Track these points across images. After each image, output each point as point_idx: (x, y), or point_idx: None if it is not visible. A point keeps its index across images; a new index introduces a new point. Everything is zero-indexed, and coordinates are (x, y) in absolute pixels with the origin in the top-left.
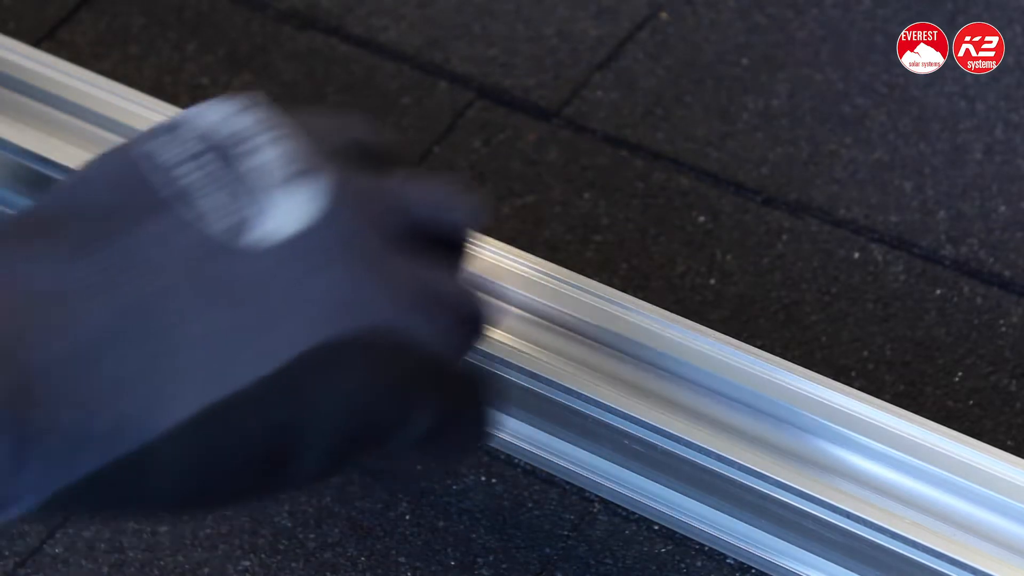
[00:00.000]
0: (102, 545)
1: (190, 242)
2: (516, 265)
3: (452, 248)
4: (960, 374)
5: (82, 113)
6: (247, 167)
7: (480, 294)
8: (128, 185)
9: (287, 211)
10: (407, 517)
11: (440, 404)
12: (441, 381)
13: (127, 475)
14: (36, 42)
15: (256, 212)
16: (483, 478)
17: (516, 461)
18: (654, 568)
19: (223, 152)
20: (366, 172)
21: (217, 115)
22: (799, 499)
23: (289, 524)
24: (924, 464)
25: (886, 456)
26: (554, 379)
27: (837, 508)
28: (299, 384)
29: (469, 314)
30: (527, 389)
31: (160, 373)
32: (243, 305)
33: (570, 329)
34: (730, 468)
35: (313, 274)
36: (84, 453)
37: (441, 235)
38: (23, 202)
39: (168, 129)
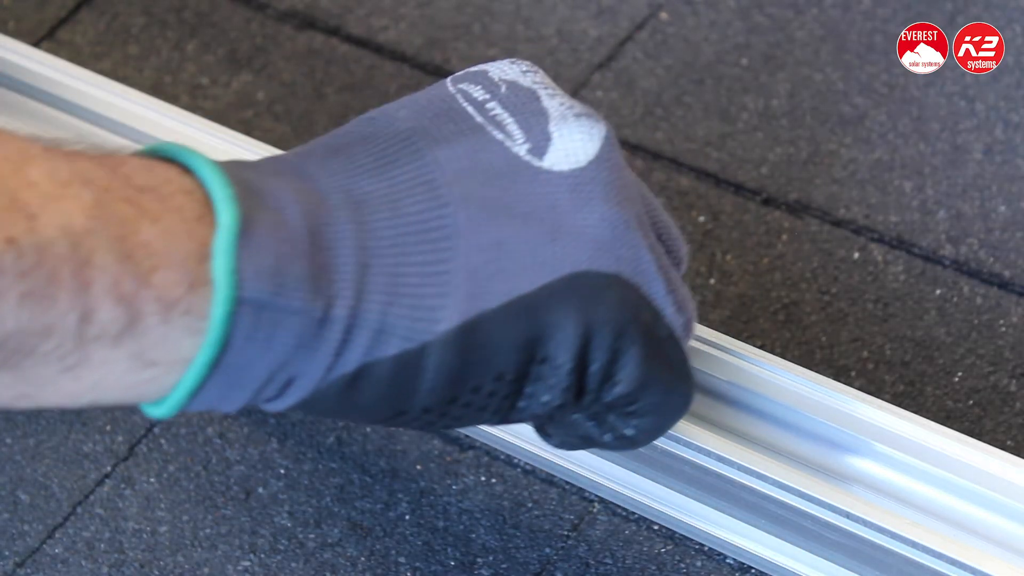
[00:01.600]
0: (102, 545)
1: (498, 157)
2: None
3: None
4: (960, 374)
5: (82, 113)
6: (545, 105)
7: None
8: (445, 111)
9: (574, 143)
10: (407, 517)
11: (655, 369)
12: (662, 348)
13: (398, 372)
14: (36, 42)
15: (548, 140)
16: (483, 478)
17: (516, 461)
18: (654, 568)
19: (525, 93)
20: None
21: (515, 70)
22: (799, 499)
23: (289, 524)
24: (924, 464)
25: (886, 456)
26: None
27: (837, 508)
28: (555, 301)
29: (690, 318)
30: None
31: (438, 278)
32: (530, 220)
33: None
34: (730, 468)
35: (589, 206)
36: (364, 344)
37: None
38: None
39: (475, 75)
